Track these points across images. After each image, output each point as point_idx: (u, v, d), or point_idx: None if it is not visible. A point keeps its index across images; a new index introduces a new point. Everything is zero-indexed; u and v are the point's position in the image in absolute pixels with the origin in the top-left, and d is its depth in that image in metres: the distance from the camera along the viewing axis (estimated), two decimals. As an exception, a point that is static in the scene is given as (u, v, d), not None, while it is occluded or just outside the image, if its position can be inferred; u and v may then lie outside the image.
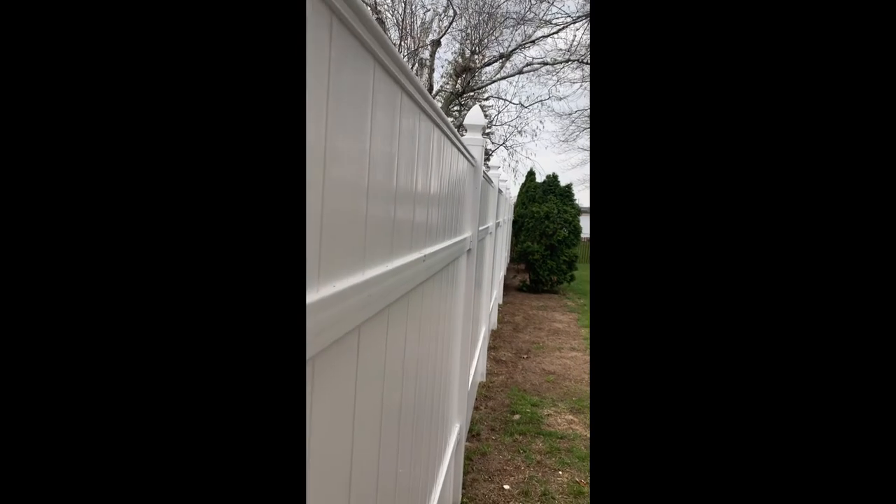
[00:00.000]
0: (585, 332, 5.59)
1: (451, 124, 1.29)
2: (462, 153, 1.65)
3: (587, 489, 2.39)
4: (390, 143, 0.77)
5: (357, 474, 0.74)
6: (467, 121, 2.04)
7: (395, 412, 0.98)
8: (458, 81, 10.02)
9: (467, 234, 1.99)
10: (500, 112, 11.45)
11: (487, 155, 10.18)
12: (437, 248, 1.27)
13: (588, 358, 4.58)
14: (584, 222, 9.15)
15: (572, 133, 17.26)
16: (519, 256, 8.37)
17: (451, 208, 1.55)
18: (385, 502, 0.96)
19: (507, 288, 8.21)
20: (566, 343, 5.10)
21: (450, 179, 1.46)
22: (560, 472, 2.54)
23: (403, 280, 0.88)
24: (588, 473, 2.52)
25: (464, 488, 2.30)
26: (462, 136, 1.88)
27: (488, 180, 3.17)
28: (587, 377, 4.05)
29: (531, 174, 9.21)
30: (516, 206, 9.14)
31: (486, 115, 10.19)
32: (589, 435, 2.98)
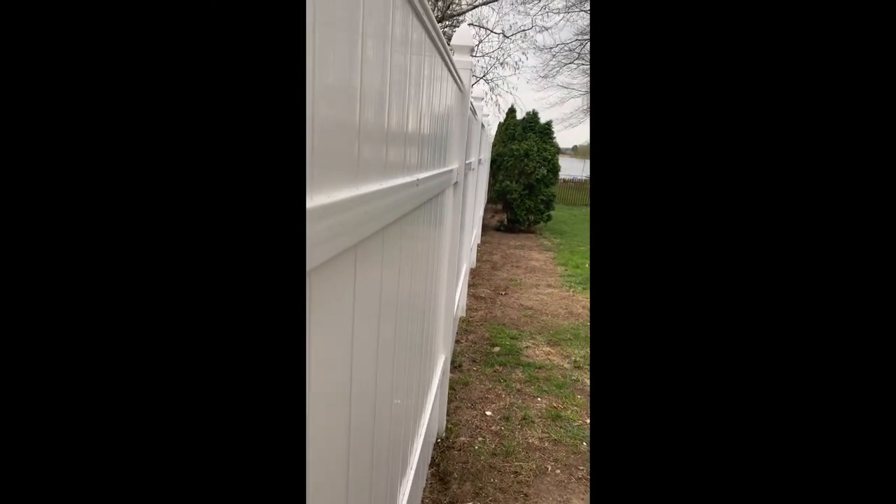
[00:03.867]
0: (561, 269, 5.72)
1: (442, 36, 1.17)
2: (452, 74, 1.54)
3: (564, 413, 2.53)
4: (383, 46, 0.68)
5: (356, 399, 0.72)
6: (455, 41, 1.89)
7: (389, 341, 0.96)
8: (436, 6, 9.35)
9: (454, 165, 1.91)
10: (480, 42, 10.84)
11: (466, 90, 9.69)
12: (429, 175, 1.20)
13: (564, 294, 4.71)
14: (562, 162, 9.07)
15: (553, 68, 16.73)
16: (497, 196, 8.32)
17: (440, 137, 1.46)
18: (381, 428, 0.97)
19: (485, 228, 8.23)
20: (543, 280, 5.21)
21: (440, 103, 1.37)
22: (539, 399, 2.66)
23: (398, 203, 0.83)
24: (564, 400, 2.66)
25: (448, 415, 2.40)
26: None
27: (473, 112, 3.04)
28: (563, 311, 4.18)
29: (512, 111, 8.95)
30: (495, 144, 8.94)
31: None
32: (566, 365, 3.12)
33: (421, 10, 0.89)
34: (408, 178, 0.92)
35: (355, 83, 0.56)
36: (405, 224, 1.01)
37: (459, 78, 1.75)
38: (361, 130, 0.60)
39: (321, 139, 0.47)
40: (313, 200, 0.45)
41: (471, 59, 1.96)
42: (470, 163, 3.10)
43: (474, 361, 3.09)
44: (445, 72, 1.40)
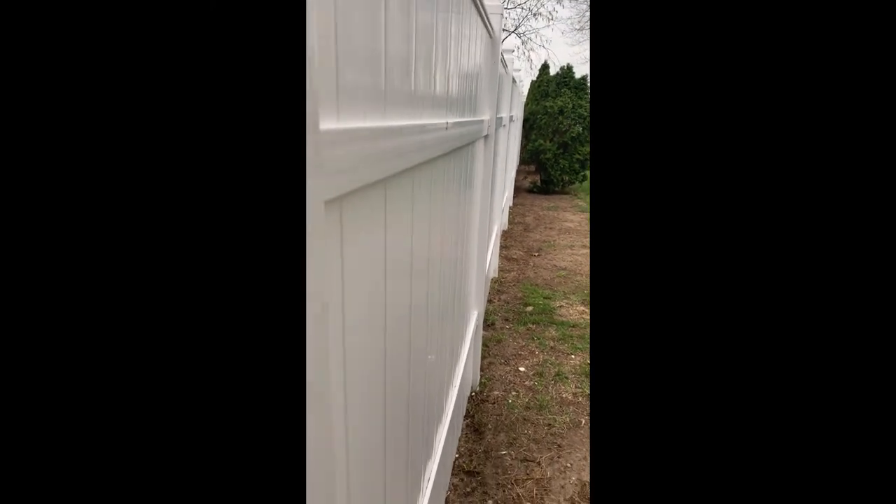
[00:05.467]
0: (597, 230, 5.58)
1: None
2: (481, 17, 1.46)
3: (598, 370, 2.52)
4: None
5: (391, 353, 0.73)
6: (483, -17, 1.79)
7: (422, 290, 0.96)
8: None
9: (485, 116, 1.85)
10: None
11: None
12: (459, 120, 1.17)
13: (599, 254, 4.61)
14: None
15: (588, 20, 15.77)
16: (530, 157, 8.11)
17: (470, 82, 1.41)
18: (417, 381, 0.98)
19: (518, 190, 8.08)
20: (577, 241, 5.11)
21: (469, 46, 1.31)
22: (572, 356, 2.66)
23: (426, 143, 0.81)
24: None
25: (482, 371, 2.44)
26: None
27: (504, 64, 2.92)
28: (599, 272, 4.10)
29: (545, 67, 8.57)
30: (527, 103, 8.63)
31: None
32: (600, 323, 3.08)
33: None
34: (438, 120, 0.90)
35: (380, 4, 0.53)
36: (435, 169, 0.99)
37: (489, 21, 1.67)
38: (388, 57, 0.58)
39: (343, 59, 0.45)
40: (327, 124, 0.44)
41: (500, 3, 1.86)
42: (501, 117, 3.01)
43: (507, 320, 3.10)
44: (474, 10, 1.33)
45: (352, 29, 0.46)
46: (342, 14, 0.44)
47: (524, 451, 1.93)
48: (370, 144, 0.50)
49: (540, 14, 11.11)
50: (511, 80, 3.86)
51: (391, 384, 0.77)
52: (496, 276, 3.90)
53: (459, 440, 1.94)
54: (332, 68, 0.43)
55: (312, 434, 0.38)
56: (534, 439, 2.00)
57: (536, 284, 3.75)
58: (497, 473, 1.81)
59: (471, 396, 2.26)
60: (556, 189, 8.02)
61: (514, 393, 2.31)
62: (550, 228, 5.65)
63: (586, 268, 4.20)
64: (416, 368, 0.99)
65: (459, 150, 1.34)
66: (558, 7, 12.27)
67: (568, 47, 23.94)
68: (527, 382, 2.41)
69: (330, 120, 0.42)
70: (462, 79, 1.25)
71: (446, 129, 0.97)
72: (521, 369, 2.52)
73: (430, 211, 0.97)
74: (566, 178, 7.90)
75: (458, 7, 1.07)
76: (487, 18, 1.61)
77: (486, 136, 1.96)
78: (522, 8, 11.53)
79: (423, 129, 0.76)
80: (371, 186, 0.55)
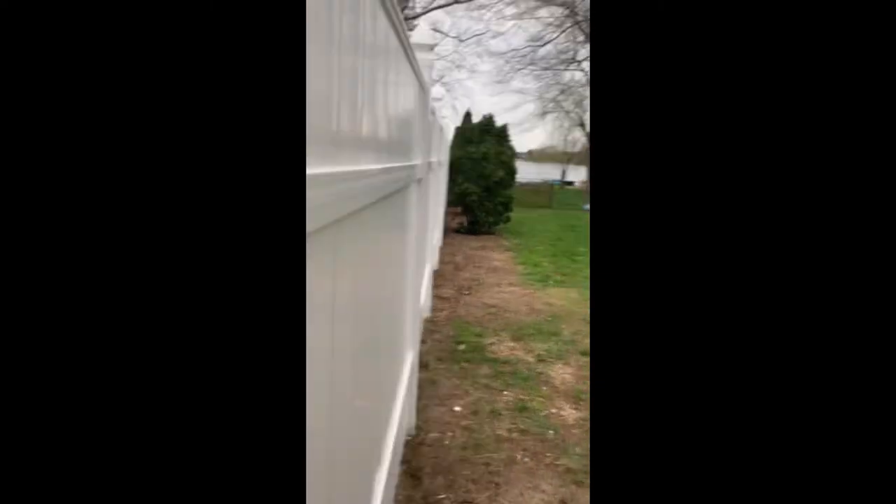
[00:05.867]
0: (522, 268, 5.84)
1: (406, 31, 1.19)
2: (413, 69, 1.55)
3: (531, 404, 2.58)
4: (356, 38, 0.69)
5: (337, 396, 0.72)
6: (415, 39, 1.91)
7: (365, 337, 0.96)
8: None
9: (418, 161, 1.93)
10: (436, 44, 10.94)
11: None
12: (397, 165, 1.21)
13: (525, 292, 4.81)
14: (517, 165, 9.29)
15: (507, 74, 17.07)
16: (457, 199, 8.39)
17: (404, 129, 1.47)
18: (360, 426, 0.96)
19: (446, 230, 8.28)
20: (504, 279, 5.30)
21: (403, 98, 1.38)
22: (506, 392, 2.71)
23: (370, 187, 0.83)
24: (530, 392, 2.72)
25: (417, 413, 2.40)
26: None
27: (432, 112, 3.07)
28: (525, 308, 4.27)
29: (468, 115, 9.08)
30: (452, 148, 9.02)
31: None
32: (530, 359, 3.19)
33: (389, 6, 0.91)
34: (380, 165, 0.93)
35: (332, 63, 0.57)
36: (375, 212, 1.01)
37: (420, 73, 1.77)
38: (339, 101, 0.61)
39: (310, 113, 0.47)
40: (312, 168, 0.45)
41: (430, 56, 1.99)
42: (431, 162, 3.12)
43: (440, 360, 3.10)
44: (407, 63, 1.41)
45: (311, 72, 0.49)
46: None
47: (463, 492, 1.90)
48: (326, 190, 0.52)
49: (462, 66, 11.87)
50: (439, 127, 4.05)
51: (336, 430, 0.75)
52: (429, 315, 3.91)
53: (397, 488, 1.87)
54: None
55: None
56: (472, 479, 1.98)
57: (468, 322, 3.81)
58: (437, 520, 1.76)
59: (407, 441, 2.21)
60: (483, 230, 8.34)
61: (450, 434, 2.29)
62: (479, 267, 5.82)
63: (514, 305, 4.35)
64: (358, 414, 0.97)
65: (397, 192, 1.38)
66: (478, 61, 13.25)
67: (489, 98, 25.64)
68: (462, 422, 2.40)
69: (318, 165, 0.44)
70: (397, 125, 1.31)
71: (388, 173, 1.01)
72: (457, 409, 2.52)
73: (371, 253, 0.99)
74: (491, 219, 8.26)
75: (394, 61, 1.13)
76: (418, 70, 1.71)
77: (419, 180, 2.03)
78: (447, 60, 12.28)
79: (367, 173, 0.79)
80: (324, 228, 0.56)
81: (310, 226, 0.46)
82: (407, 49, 1.31)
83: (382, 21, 0.91)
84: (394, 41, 1.08)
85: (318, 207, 0.48)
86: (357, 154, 0.75)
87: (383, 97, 0.99)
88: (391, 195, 1.26)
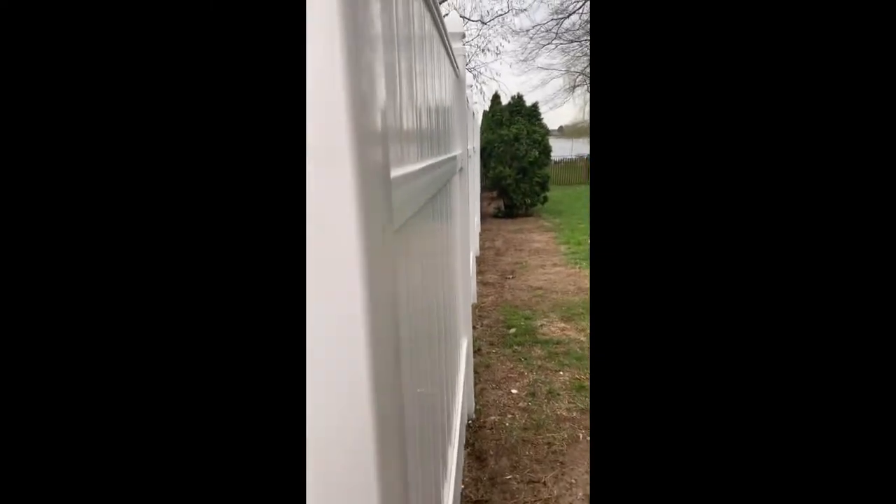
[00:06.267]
0: (564, 248, 5.76)
1: (443, 21, 1.20)
2: (450, 59, 1.56)
3: (587, 383, 2.58)
4: (408, 39, 0.71)
5: (411, 374, 0.76)
6: (448, 28, 1.91)
7: (430, 328, 1.00)
8: None
9: (458, 151, 1.94)
10: (465, 32, 10.79)
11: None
12: (444, 158, 1.24)
13: (570, 272, 4.76)
14: (552, 143, 9.11)
15: (531, 51, 16.66)
16: (491, 184, 8.34)
17: (445, 122, 1.49)
18: (430, 412, 1.00)
19: (483, 215, 8.26)
20: (548, 260, 5.25)
21: (445, 90, 1.39)
22: (561, 373, 2.71)
23: (435, 179, 0.86)
24: (586, 371, 2.71)
25: (475, 397, 2.45)
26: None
27: (466, 99, 3.06)
28: (572, 288, 4.23)
29: (496, 97, 8.96)
30: (482, 132, 8.94)
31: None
32: (583, 338, 3.17)
33: (431, 1, 0.92)
34: (437, 158, 0.96)
35: (396, 63, 0.59)
36: (434, 204, 1.04)
37: (456, 62, 1.78)
38: (402, 103, 0.63)
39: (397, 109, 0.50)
40: (394, 171, 0.49)
41: (462, 45, 1.99)
42: (468, 149, 3.13)
43: (492, 344, 3.13)
44: (445, 57, 1.42)
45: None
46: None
47: (528, 472, 1.94)
48: (403, 189, 0.55)
49: (488, 50, 11.70)
50: (471, 113, 4.03)
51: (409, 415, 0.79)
52: (475, 301, 3.95)
53: (463, 470, 1.93)
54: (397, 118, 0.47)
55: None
56: (536, 460, 2.01)
57: (515, 306, 3.82)
58: (505, 499, 1.80)
59: (468, 424, 2.26)
60: (520, 212, 8.26)
61: (509, 416, 2.33)
62: (520, 250, 5.79)
63: (560, 285, 4.32)
64: (426, 401, 1.01)
65: (445, 185, 1.41)
66: (504, 42, 12.99)
67: (515, 77, 25.12)
68: (521, 404, 2.43)
69: (395, 168, 0.47)
70: (442, 117, 1.33)
71: (440, 166, 1.03)
72: (514, 391, 2.55)
73: (429, 245, 1.02)
74: (528, 201, 8.16)
75: (436, 53, 1.15)
76: (455, 59, 1.72)
77: (460, 169, 2.04)
78: (472, 45, 12.11)
79: (427, 169, 0.81)
80: (409, 220, 0.59)
81: (395, 224, 0.49)
82: (446, 40, 1.32)
83: (427, 17, 0.93)
84: (435, 34, 1.10)
85: (399, 207, 0.51)
86: (418, 150, 0.77)
87: (431, 91, 1.01)
88: (441, 188, 1.28)
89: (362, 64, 0.32)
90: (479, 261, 5.30)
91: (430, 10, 0.99)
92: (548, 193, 8.45)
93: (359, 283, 0.32)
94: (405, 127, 0.66)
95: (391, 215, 0.44)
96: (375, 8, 0.38)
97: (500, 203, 8.51)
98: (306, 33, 0.29)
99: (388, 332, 0.40)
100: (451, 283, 1.77)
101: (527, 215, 8.32)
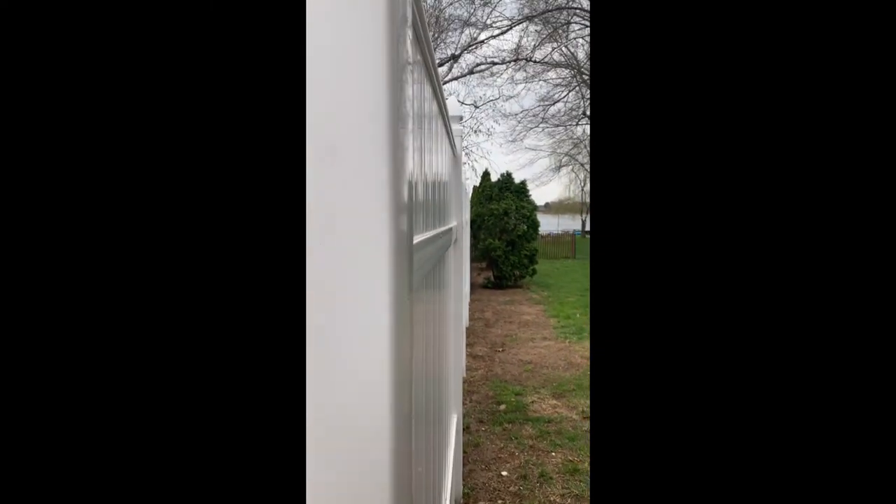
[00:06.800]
0: (554, 321, 5.74)
1: (445, 104, 1.29)
2: (449, 138, 1.66)
3: (582, 466, 2.45)
4: (420, 120, 0.76)
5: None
6: (448, 111, 2.06)
7: (427, 402, 0.96)
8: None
9: (454, 223, 1.99)
10: (462, 116, 11.58)
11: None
12: (445, 228, 1.27)
13: (561, 346, 4.70)
14: (539, 218, 9.42)
15: (519, 133, 17.76)
16: (481, 255, 8.47)
17: (445, 195, 1.55)
18: (416, 498, 0.94)
19: (473, 286, 8.28)
20: (538, 333, 5.20)
21: (441, 164, 1.46)
22: (553, 454, 2.58)
23: (438, 248, 0.88)
24: (579, 452, 2.59)
25: (463, 479, 2.29)
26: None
27: (461, 175, 3.20)
28: (563, 363, 4.15)
29: (486, 174, 9.37)
30: (472, 205, 9.25)
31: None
32: (574, 416, 3.06)
33: (437, 86, 1.00)
34: (439, 229, 0.98)
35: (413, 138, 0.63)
36: (433, 273, 1.05)
37: (454, 143, 1.88)
38: (417, 179, 0.66)
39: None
40: (415, 237, 0.50)
41: (459, 127, 2.12)
42: (461, 222, 3.21)
43: (482, 422, 3.00)
44: (445, 136, 1.51)
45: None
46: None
47: (522, 568, 1.77)
48: (420, 254, 0.56)
49: (480, 131, 12.50)
50: (464, 189, 4.20)
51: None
52: (465, 375, 3.84)
53: (451, 564, 1.76)
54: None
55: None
56: (530, 553, 1.85)
57: (505, 381, 3.72)
58: None
59: (456, 511, 2.10)
60: (509, 283, 8.31)
61: (500, 501, 2.18)
62: (510, 322, 5.74)
63: (551, 360, 4.24)
64: (421, 479, 0.95)
65: (442, 256, 1.43)
66: (494, 125, 13.90)
67: (504, 156, 26.50)
68: (511, 488, 2.28)
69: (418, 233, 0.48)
70: (442, 190, 1.38)
71: (441, 237, 1.06)
72: (504, 473, 2.41)
73: (429, 313, 1.01)
74: (517, 272, 8.25)
75: (436, 131, 1.22)
76: (452, 139, 1.82)
77: (455, 241, 2.08)
78: (465, 125, 12.92)
79: (433, 238, 0.83)
80: (417, 289, 0.59)
81: (415, 284, 0.49)
82: (447, 121, 1.41)
83: (434, 100, 1.00)
84: (438, 115, 1.17)
85: (417, 270, 0.52)
86: (423, 221, 0.80)
87: (434, 167, 1.06)
88: (441, 258, 1.30)
89: (399, 140, 0.34)
90: (469, 332, 5.22)
91: (435, 94, 1.06)
92: (536, 266, 8.58)
93: (387, 348, 0.32)
94: (417, 199, 0.69)
95: (412, 280, 0.45)
96: (408, 91, 0.41)
97: (490, 274, 8.59)
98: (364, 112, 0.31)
99: (405, 402, 0.39)
100: (445, 355, 1.73)
101: (516, 286, 8.37)
